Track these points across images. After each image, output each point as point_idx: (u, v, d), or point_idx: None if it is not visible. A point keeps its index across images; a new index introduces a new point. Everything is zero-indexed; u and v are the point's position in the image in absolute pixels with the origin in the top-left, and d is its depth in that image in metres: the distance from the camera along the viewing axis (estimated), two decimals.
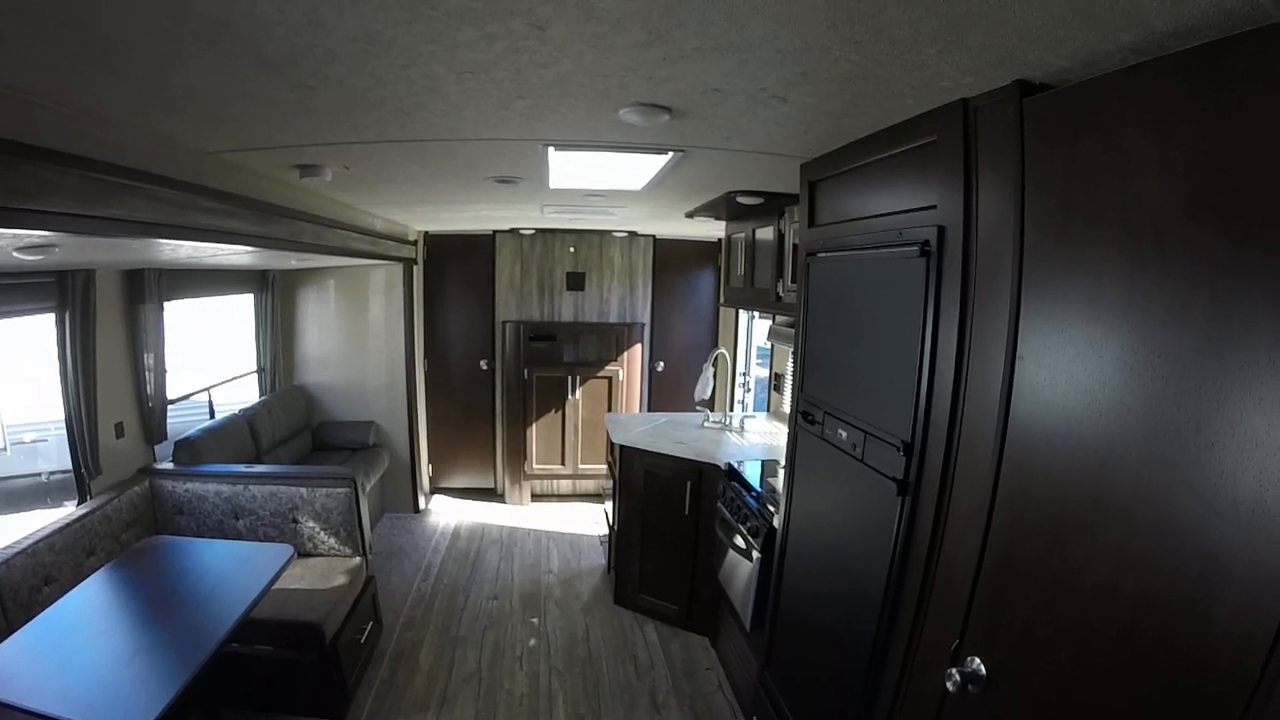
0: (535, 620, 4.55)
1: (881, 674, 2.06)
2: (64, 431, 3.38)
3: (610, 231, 6.44)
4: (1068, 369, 1.37)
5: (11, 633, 2.42)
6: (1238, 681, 1.03)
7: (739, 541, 3.40)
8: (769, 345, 5.02)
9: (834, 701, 2.33)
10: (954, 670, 1.62)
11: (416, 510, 6.42)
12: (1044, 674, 1.42)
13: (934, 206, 1.82)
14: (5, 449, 7.06)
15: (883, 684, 2.05)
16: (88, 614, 2.59)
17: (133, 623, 2.57)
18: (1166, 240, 1.16)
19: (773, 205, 3.58)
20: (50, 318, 3.24)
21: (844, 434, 2.30)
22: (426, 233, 6.32)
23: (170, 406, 4.18)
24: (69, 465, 3.47)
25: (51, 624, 2.46)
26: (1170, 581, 1.15)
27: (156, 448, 4.08)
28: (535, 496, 6.84)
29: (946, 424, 1.76)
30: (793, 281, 3.31)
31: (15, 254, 2.27)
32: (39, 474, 6.81)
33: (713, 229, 5.48)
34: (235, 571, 2.94)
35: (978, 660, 1.60)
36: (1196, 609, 1.10)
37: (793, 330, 2.93)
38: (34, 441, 7.14)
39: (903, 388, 1.92)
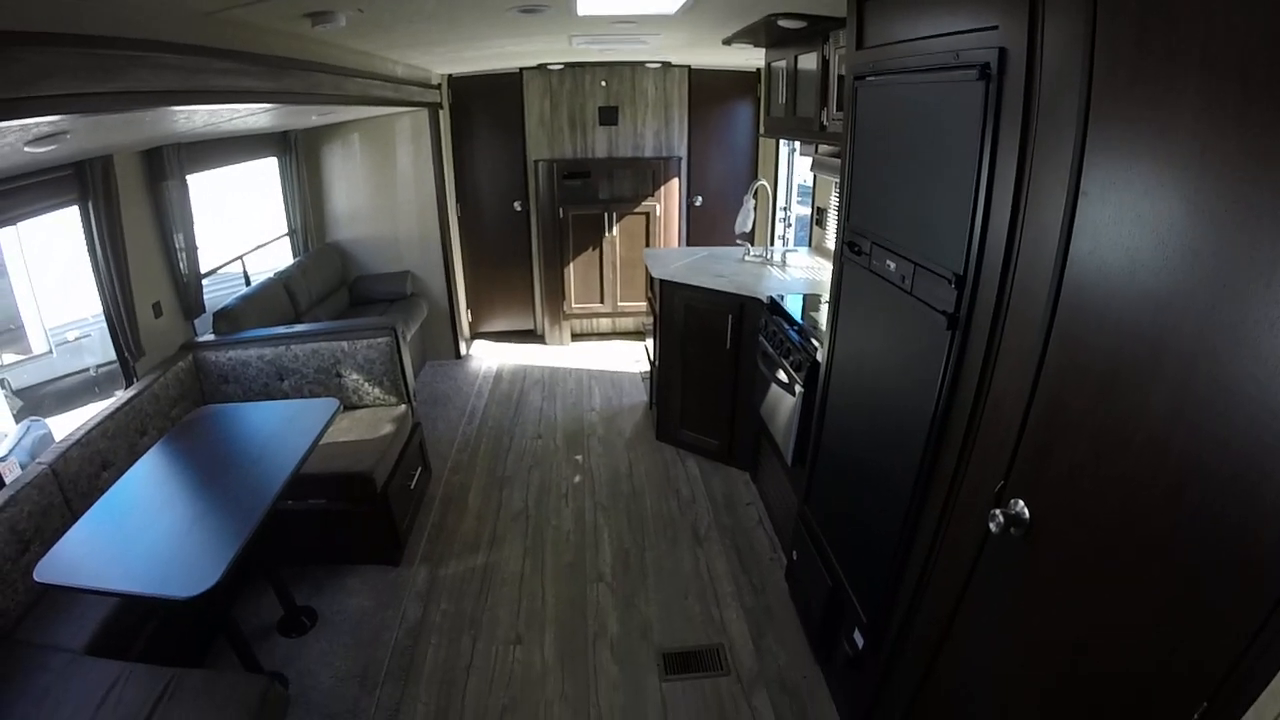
0: (579, 458, 4.69)
1: (922, 512, 2.04)
2: (104, 324, 3.41)
3: (643, 63, 6.11)
4: (1135, 207, 1.21)
5: (76, 521, 2.49)
6: None
7: (781, 376, 3.37)
8: (811, 182, 4.80)
9: (874, 538, 2.34)
10: (997, 511, 1.58)
11: (458, 356, 6.53)
12: (1085, 526, 1.37)
13: (995, 27, 1.61)
14: (51, 351, 7.27)
15: (923, 522, 2.04)
16: (146, 491, 2.68)
17: (189, 493, 2.67)
18: (1250, 75, 0.99)
19: (816, 30, 3.30)
20: (75, 210, 3.18)
21: (892, 265, 2.17)
22: (450, 75, 6.02)
23: (205, 279, 4.18)
24: (114, 356, 3.51)
25: (112, 506, 2.55)
26: (1222, 446, 1.06)
27: (196, 322, 4.12)
28: (575, 336, 6.91)
29: (1001, 259, 1.62)
30: (838, 109, 3.10)
31: (27, 149, 2.19)
32: (86, 369, 7.04)
33: (751, 58, 5.13)
34: (284, 430, 3.01)
35: (1021, 503, 1.55)
36: (1248, 479, 1.02)
37: (838, 160, 2.74)
38: (78, 339, 7.34)
39: (956, 219, 1.78)
